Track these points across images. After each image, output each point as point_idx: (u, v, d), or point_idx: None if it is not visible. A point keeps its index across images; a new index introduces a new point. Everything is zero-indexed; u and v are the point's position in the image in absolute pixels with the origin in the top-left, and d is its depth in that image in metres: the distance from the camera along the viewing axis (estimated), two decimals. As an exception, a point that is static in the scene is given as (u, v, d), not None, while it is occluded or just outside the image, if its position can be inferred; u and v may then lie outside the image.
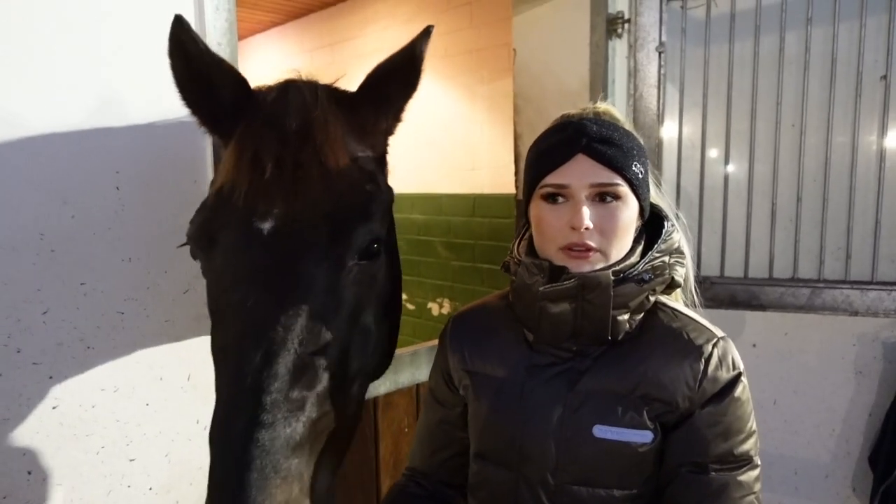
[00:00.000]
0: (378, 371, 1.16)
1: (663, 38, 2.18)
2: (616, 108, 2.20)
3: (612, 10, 2.19)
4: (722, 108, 2.17)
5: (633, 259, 1.01)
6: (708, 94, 2.18)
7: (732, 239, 2.20)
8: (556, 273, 1.00)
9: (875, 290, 2.03)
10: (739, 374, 1.00)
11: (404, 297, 4.72)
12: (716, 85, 2.18)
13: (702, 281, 2.19)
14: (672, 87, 2.23)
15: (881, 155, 2.03)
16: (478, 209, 4.20)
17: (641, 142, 1.06)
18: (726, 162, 2.21)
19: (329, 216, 0.92)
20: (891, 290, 2.02)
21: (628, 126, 1.06)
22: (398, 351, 1.73)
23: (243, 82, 1.02)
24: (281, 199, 0.90)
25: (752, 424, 0.99)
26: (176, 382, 1.28)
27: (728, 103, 2.16)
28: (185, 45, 0.95)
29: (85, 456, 1.18)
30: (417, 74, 1.02)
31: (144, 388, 1.24)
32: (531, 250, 1.07)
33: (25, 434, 1.11)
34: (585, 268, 0.98)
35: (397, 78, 1.04)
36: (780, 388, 2.26)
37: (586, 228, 0.96)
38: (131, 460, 1.23)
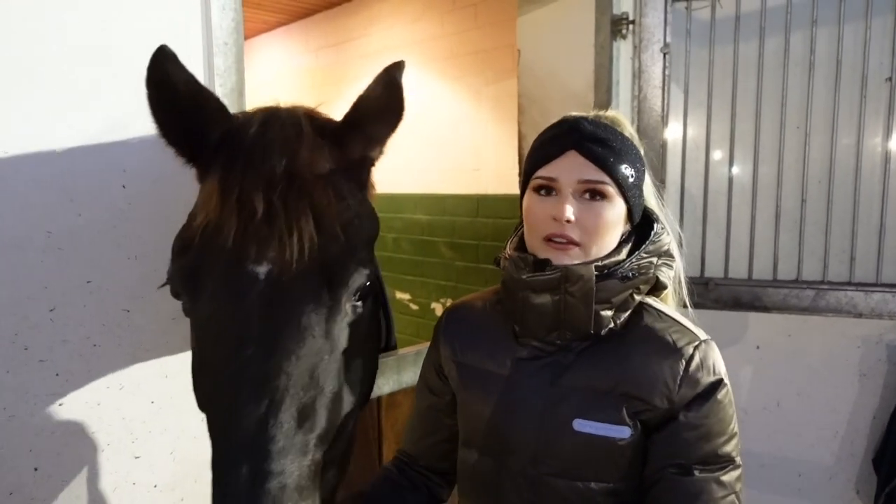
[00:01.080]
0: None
1: (668, 40, 2.18)
2: (620, 109, 2.21)
3: (616, 11, 2.19)
4: (726, 110, 2.17)
5: (619, 257, 1.03)
6: (712, 96, 2.18)
7: (736, 240, 2.20)
8: (540, 266, 1.02)
9: (879, 292, 2.03)
10: (721, 379, 1.00)
11: (407, 296, 4.72)
12: (720, 86, 2.18)
13: (706, 282, 2.19)
14: (676, 89, 2.23)
15: (886, 157, 2.02)
16: (482, 210, 4.21)
17: (640, 148, 1.08)
18: (731, 163, 2.21)
19: (323, 261, 0.90)
20: (895, 293, 2.01)
21: (629, 132, 1.08)
22: (402, 350, 1.74)
23: (225, 111, 0.98)
24: (275, 242, 0.88)
25: (734, 426, 1.01)
26: (181, 380, 1.28)
27: (733, 105, 2.16)
28: (171, 74, 0.89)
29: (90, 453, 1.19)
30: (401, 109, 0.99)
31: (150, 385, 1.25)
32: (520, 246, 1.10)
33: (32, 431, 1.12)
34: (565, 260, 1.00)
35: (381, 115, 1.00)
36: (784, 390, 2.26)
37: (567, 221, 0.99)
38: (136, 457, 1.24)
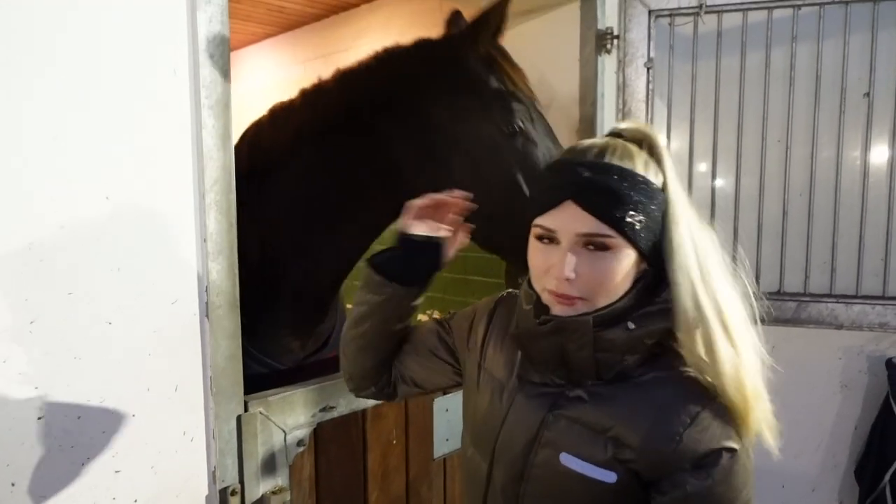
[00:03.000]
0: None
1: (651, 54, 2.22)
2: (605, 123, 2.22)
3: (601, 25, 2.22)
4: (709, 123, 2.20)
5: (624, 303, 0.93)
6: (695, 109, 2.21)
7: (720, 252, 2.23)
8: (540, 311, 0.97)
9: (859, 303, 2.06)
10: (729, 447, 0.89)
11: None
12: (703, 100, 2.21)
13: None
14: (660, 102, 2.26)
15: (865, 170, 2.06)
16: (469, 221, 4.20)
17: (658, 179, 0.95)
18: (713, 176, 2.24)
19: None
20: (875, 304, 2.04)
21: (643, 161, 0.95)
22: (387, 362, 1.74)
23: None
24: None
25: (748, 494, 0.90)
26: (163, 393, 1.27)
27: (715, 118, 2.19)
28: None
29: (70, 467, 1.17)
30: None
31: (131, 398, 1.23)
32: None
33: (10, 445, 1.10)
34: (569, 312, 0.94)
35: None
36: (768, 400, 2.28)
37: (567, 279, 0.91)
38: (117, 472, 1.22)
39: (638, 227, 0.91)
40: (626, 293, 0.94)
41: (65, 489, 1.17)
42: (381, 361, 1.20)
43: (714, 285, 0.92)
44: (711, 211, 2.23)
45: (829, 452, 2.22)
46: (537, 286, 0.98)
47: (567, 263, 0.90)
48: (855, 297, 2.07)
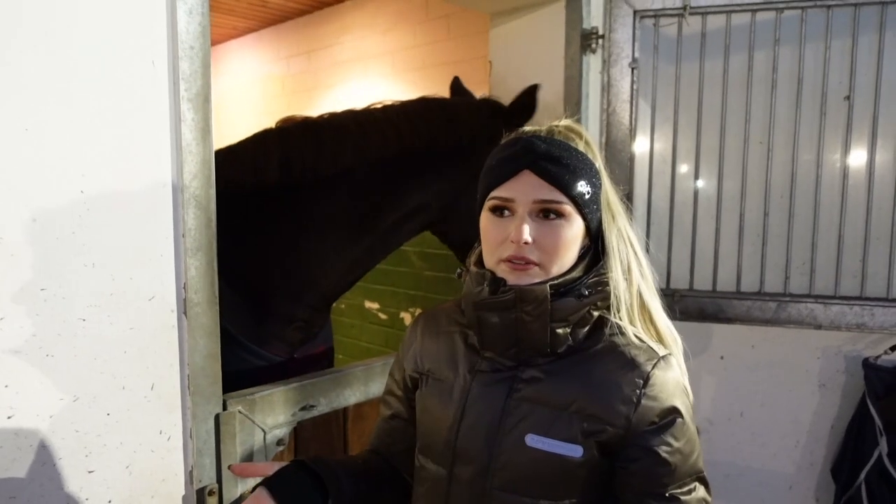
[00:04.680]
0: None
1: (636, 55, 2.22)
2: (590, 122, 2.23)
3: (586, 25, 2.22)
4: (692, 125, 2.22)
5: (575, 274, 1.02)
6: (679, 111, 2.22)
7: (701, 253, 2.24)
8: (497, 284, 1.01)
9: (838, 304, 2.08)
10: (683, 393, 1.01)
11: (376, 306, 4.69)
12: (687, 101, 2.22)
13: (672, 294, 2.22)
14: (644, 103, 2.26)
15: (844, 172, 2.09)
16: (452, 219, 4.20)
17: (596, 160, 1.06)
18: (696, 177, 2.25)
19: None
20: (853, 305, 2.07)
21: (585, 144, 1.06)
22: (369, 361, 1.72)
23: None
24: None
25: (699, 447, 1.02)
26: (139, 392, 1.24)
27: (698, 120, 2.20)
28: None
29: (41, 468, 1.14)
30: None
31: (106, 397, 1.20)
32: (482, 260, 1.09)
33: (-22, 445, 1.07)
34: (524, 280, 0.99)
35: None
36: (747, 400, 2.30)
37: (525, 243, 0.97)
38: (90, 472, 1.20)
39: (587, 197, 1.01)
40: (575, 265, 1.03)
41: (36, 490, 1.14)
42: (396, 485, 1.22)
43: (639, 253, 1.09)
44: (694, 211, 2.25)
45: (806, 451, 2.25)
46: (492, 259, 1.03)
47: (524, 228, 0.97)
48: (833, 297, 2.10)
